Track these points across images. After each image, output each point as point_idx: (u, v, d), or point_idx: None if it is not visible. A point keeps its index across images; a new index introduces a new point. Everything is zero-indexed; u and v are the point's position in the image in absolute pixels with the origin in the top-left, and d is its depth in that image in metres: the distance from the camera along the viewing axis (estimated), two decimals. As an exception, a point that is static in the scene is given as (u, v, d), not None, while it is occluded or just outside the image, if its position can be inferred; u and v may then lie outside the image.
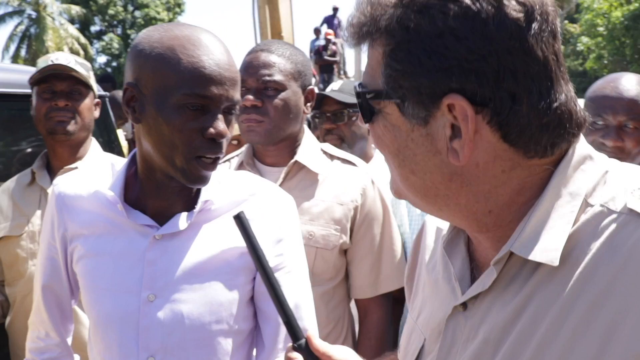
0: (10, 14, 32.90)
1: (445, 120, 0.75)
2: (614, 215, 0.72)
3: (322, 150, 1.91)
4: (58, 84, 2.07)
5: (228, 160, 2.01)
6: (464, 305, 0.83)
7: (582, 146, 0.80)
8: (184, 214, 1.26)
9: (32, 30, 32.31)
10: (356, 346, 1.88)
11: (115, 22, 33.88)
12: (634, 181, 0.75)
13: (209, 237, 1.27)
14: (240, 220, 1.00)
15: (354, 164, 1.88)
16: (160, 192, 1.27)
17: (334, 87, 2.50)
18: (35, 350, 1.45)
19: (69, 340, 1.48)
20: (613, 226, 0.72)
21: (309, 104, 1.87)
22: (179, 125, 1.17)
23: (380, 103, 0.79)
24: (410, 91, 0.75)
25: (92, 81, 2.17)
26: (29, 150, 2.69)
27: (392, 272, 1.86)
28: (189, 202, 1.28)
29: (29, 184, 2.16)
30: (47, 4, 31.83)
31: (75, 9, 31.92)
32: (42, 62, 2.11)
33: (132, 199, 1.29)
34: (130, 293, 1.25)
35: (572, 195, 0.76)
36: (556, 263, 0.73)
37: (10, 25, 33.31)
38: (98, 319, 1.28)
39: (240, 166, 1.91)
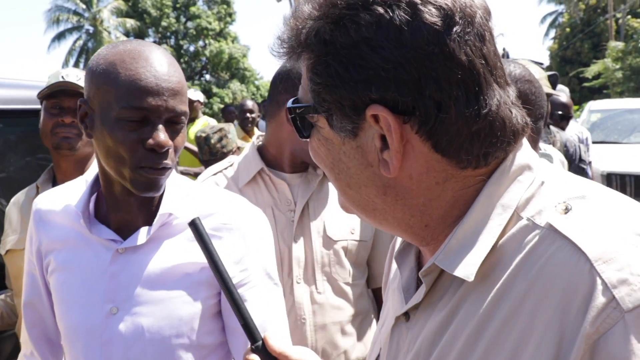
0: (70, 30, 34.41)
1: (373, 132, 0.73)
2: (537, 230, 0.70)
3: None
4: (66, 100, 2.06)
5: (231, 165, 1.90)
6: (407, 316, 0.81)
7: (522, 155, 0.76)
8: (144, 228, 1.26)
9: (90, 44, 33.62)
10: None
11: (168, 34, 34.70)
12: (562, 193, 0.72)
13: (171, 250, 1.26)
14: (195, 226, 1.01)
15: None
16: (121, 205, 1.28)
17: None
18: None
19: None
20: (534, 241, 0.69)
21: None
22: (121, 137, 1.17)
23: (313, 117, 0.77)
24: (334, 104, 0.74)
25: None
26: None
27: None
28: (151, 215, 1.28)
29: (34, 198, 2.14)
30: (103, 18, 32.95)
31: (130, 22, 32.94)
32: (53, 77, 2.11)
33: (100, 213, 1.31)
34: (95, 306, 1.25)
35: (504, 207, 0.73)
36: (471, 279, 0.71)
37: (69, 40, 34.91)
38: (66, 330, 1.30)
39: (261, 171, 1.81)
